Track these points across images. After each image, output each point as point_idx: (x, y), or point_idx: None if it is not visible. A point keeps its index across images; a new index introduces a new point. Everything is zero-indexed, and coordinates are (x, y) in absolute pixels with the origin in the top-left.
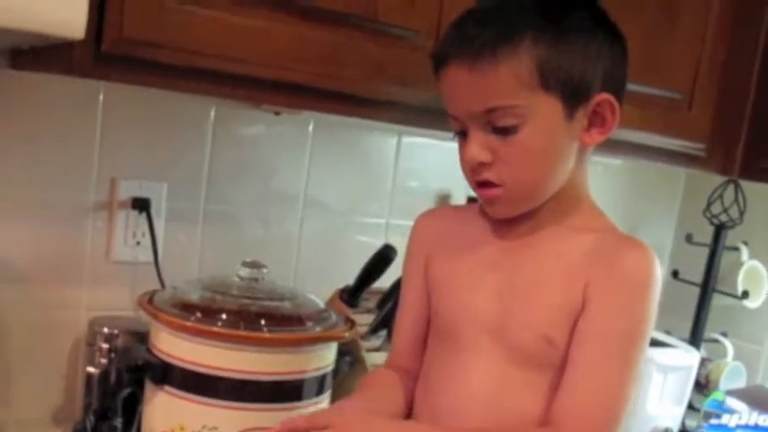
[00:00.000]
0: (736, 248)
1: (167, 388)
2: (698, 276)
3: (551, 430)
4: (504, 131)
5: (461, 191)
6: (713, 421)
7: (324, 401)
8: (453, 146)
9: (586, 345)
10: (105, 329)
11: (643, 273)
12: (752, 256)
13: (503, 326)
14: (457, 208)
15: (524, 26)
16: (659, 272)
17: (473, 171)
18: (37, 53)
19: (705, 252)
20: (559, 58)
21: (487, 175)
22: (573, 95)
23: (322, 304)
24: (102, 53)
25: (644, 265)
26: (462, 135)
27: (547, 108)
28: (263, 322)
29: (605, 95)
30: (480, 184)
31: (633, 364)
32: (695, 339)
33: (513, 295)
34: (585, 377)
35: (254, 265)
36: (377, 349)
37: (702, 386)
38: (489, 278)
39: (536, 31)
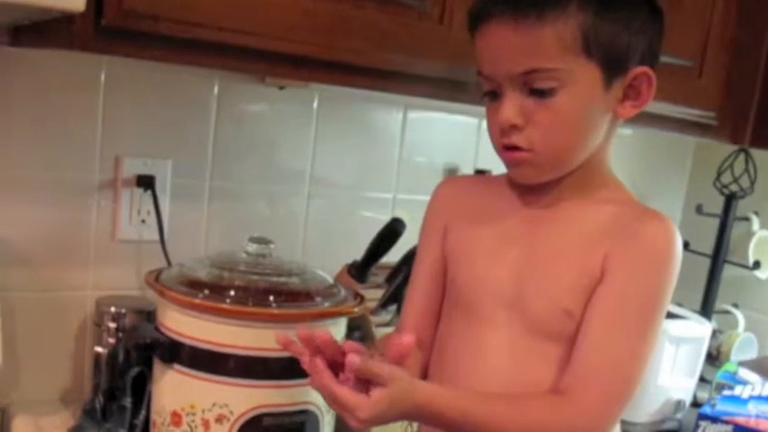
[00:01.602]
0: (747, 219)
1: (176, 366)
2: (708, 247)
3: (563, 399)
4: (541, 94)
5: (468, 164)
6: (726, 393)
7: None
8: (460, 119)
9: (601, 313)
10: (112, 309)
11: (662, 244)
12: (763, 226)
13: (521, 297)
14: (478, 177)
15: None
16: (679, 245)
17: (503, 133)
18: (37, 29)
19: (715, 223)
20: (604, 26)
21: (518, 139)
22: (613, 65)
23: (330, 279)
24: (102, 26)
25: (664, 237)
26: (493, 96)
27: (586, 75)
28: (271, 298)
29: (644, 68)
30: (507, 147)
31: (648, 335)
32: (706, 311)
33: (533, 267)
34: (598, 345)
35: (262, 240)
36: (386, 324)
37: (714, 358)
38: (508, 249)
39: None
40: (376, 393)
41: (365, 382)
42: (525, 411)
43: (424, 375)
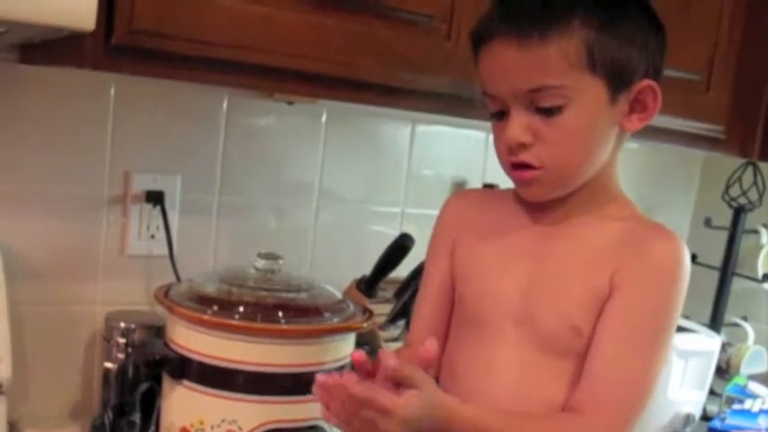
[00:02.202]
0: (756, 231)
1: (185, 382)
2: (717, 260)
3: (576, 416)
4: (548, 112)
5: (477, 177)
6: (735, 406)
7: None
8: (468, 133)
9: (612, 329)
10: (122, 324)
11: (671, 260)
12: None
13: (529, 314)
14: (487, 192)
15: (575, 6)
16: (688, 260)
17: (511, 152)
18: (47, 47)
19: (724, 236)
20: (608, 41)
21: (526, 156)
22: (617, 80)
23: (339, 295)
24: (112, 45)
25: (672, 252)
26: (499, 116)
27: (592, 90)
28: (280, 314)
29: (649, 82)
30: (516, 166)
31: (658, 351)
32: (715, 324)
33: (542, 283)
34: (610, 362)
35: (270, 256)
36: (395, 339)
37: (723, 371)
38: (517, 265)
39: (586, 11)
40: (411, 393)
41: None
42: (540, 429)
43: None
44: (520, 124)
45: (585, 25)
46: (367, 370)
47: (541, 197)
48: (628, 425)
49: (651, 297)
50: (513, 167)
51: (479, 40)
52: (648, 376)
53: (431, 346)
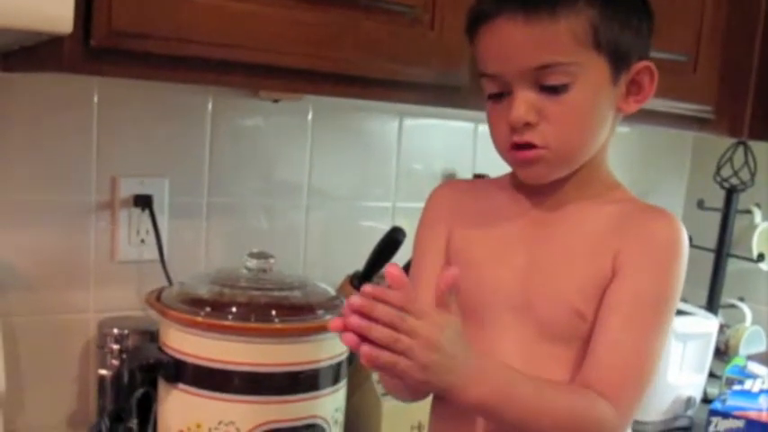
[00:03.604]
0: (749, 211)
1: (181, 385)
2: (711, 242)
3: (592, 392)
4: (554, 90)
5: (467, 169)
6: (736, 387)
7: (340, 389)
8: (456, 125)
9: (617, 310)
10: (115, 330)
11: (671, 240)
12: (765, 217)
13: (530, 300)
14: (476, 181)
15: None
16: (686, 239)
17: (514, 132)
18: (27, 53)
19: (717, 217)
20: (610, 20)
21: (530, 136)
22: (619, 59)
23: (332, 291)
24: (91, 47)
25: (672, 232)
26: (497, 97)
27: (596, 70)
28: (273, 313)
29: (646, 62)
30: (517, 146)
31: (662, 330)
32: (712, 306)
33: (541, 270)
34: (616, 343)
35: (262, 255)
36: None
37: (722, 353)
38: (515, 252)
39: None
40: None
41: None
42: (569, 396)
43: None
44: (525, 103)
45: (590, 4)
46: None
47: (542, 178)
48: (636, 404)
49: (654, 278)
50: (515, 148)
51: (481, 18)
52: (654, 356)
53: (453, 271)
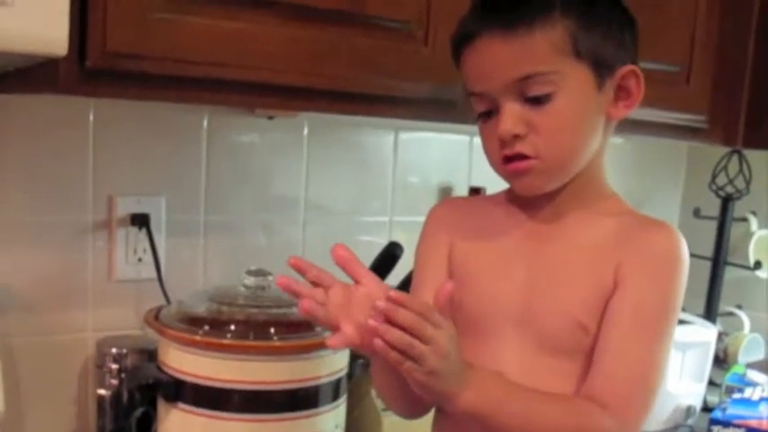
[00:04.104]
0: (745, 219)
1: (180, 405)
2: (708, 250)
3: (593, 405)
4: (539, 101)
5: (463, 182)
6: (736, 396)
7: (341, 405)
8: (451, 138)
9: (619, 322)
10: (113, 350)
11: (672, 252)
12: (761, 225)
13: (532, 314)
14: (473, 198)
15: None
16: (686, 250)
17: (504, 145)
18: (22, 74)
19: (714, 225)
20: (588, 28)
21: (521, 147)
22: (602, 66)
23: None
24: (87, 69)
25: (671, 243)
26: (487, 115)
27: (579, 77)
28: (272, 330)
29: (631, 67)
30: (510, 159)
31: (665, 341)
32: (710, 314)
33: (542, 283)
34: (620, 354)
35: (259, 273)
36: None
37: (721, 361)
38: (516, 267)
39: (563, 2)
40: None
41: None
42: (568, 409)
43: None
44: (512, 116)
45: (565, 15)
46: None
47: (537, 189)
48: (642, 418)
49: (656, 289)
50: (507, 161)
51: (462, 41)
52: (658, 368)
53: (449, 285)
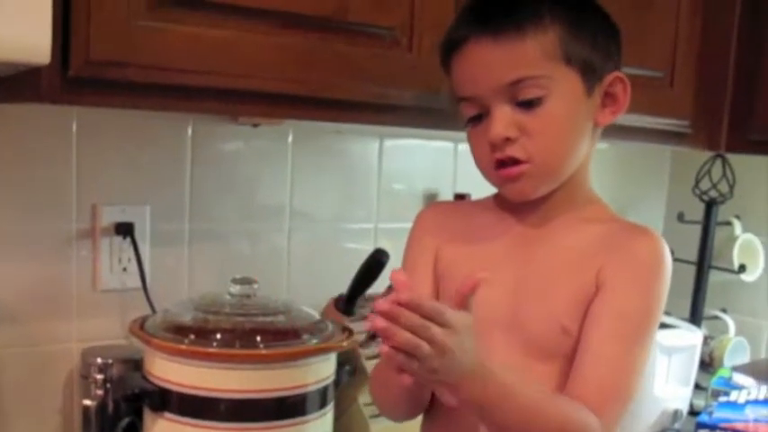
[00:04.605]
0: (729, 223)
1: (167, 414)
2: (692, 254)
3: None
4: (530, 104)
5: (448, 188)
6: (722, 399)
7: (328, 413)
8: (436, 145)
9: (599, 325)
10: (99, 360)
11: (654, 257)
12: (745, 229)
13: (518, 319)
14: (460, 202)
15: (542, 4)
16: (669, 256)
17: (495, 149)
18: (4, 84)
19: (698, 230)
20: (577, 35)
21: (512, 151)
22: (590, 72)
23: (317, 315)
24: (70, 77)
25: (655, 250)
26: (477, 120)
27: (569, 81)
28: (258, 339)
29: (618, 73)
30: (501, 164)
31: (645, 345)
32: (695, 318)
33: (528, 287)
34: (599, 356)
35: (245, 281)
36: (376, 356)
37: (707, 364)
38: (502, 271)
39: (552, 9)
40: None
41: None
42: (560, 406)
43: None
44: (503, 120)
45: (555, 21)
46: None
47: (528, 194)
48: (617, 418)
49: (637, 294)
50: (499, 166)
51: (452, 46)
52: (636, 371)
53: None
